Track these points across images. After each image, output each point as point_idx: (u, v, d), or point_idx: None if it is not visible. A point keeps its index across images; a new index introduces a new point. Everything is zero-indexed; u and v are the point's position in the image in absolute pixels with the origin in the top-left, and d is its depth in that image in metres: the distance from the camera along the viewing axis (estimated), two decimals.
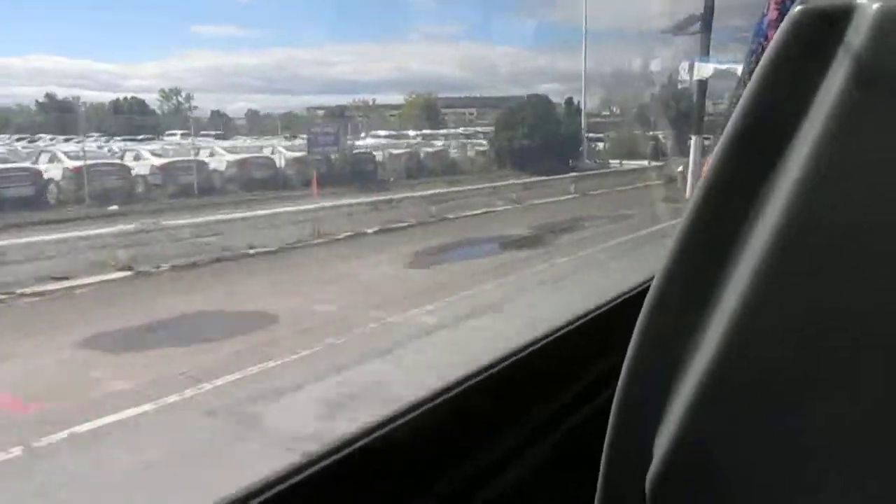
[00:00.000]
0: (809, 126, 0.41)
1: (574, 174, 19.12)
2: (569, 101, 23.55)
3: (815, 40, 0.41)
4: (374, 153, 19.49)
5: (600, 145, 23.39)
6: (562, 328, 1.04)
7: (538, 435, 0.90)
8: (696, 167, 10.78)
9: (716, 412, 0.46)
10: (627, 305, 1.12)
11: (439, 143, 21.42)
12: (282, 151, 17.66)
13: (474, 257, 9.91)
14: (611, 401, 0.53)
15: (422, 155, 20.31)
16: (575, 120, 22.85)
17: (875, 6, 0.39)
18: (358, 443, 0.71)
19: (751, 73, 0.48)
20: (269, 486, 0.65)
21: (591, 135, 23.21)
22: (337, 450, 0.70)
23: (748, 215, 0.43)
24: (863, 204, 0.40)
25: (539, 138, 20.43)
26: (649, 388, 0.50)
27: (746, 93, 0.43)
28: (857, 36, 0.39)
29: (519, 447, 0.87)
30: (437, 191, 15.14)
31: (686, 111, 15.99)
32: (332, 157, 17.60)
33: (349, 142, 18.89)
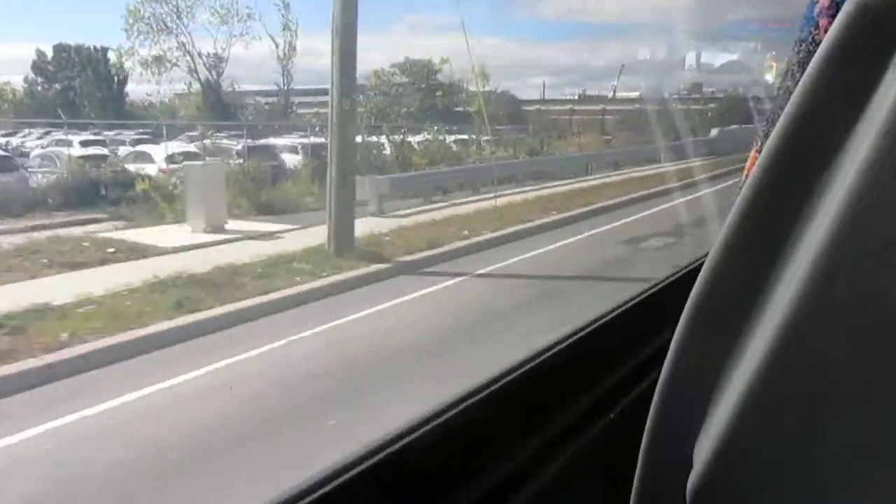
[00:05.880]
0: (870, 119, 0.38)
1: None
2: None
3: (879, 32, 0.38)
4: None
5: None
6: (597, 321, 1.02)
7: (573, 433, 0.89)
8: None
9: (763, 414, 0.44)
10: (662, 302, 1.11)
11: None
12: None
13: None
14: (644, 398, 0.51)
15: None
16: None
17: None
18: (386, 450, 0.69)
19: (799, 63, 0.46)
20: (289, 501, 0.63)
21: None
22: (361, 461, 0.67)
23: (803, 208, 0.41)
24: None
25: None
26: (691, 390, 0.48)
27: (802, 84, 0.41)
28: None
29: (552, 447, 0.85)
30: None
31: None
32: None
33: None
